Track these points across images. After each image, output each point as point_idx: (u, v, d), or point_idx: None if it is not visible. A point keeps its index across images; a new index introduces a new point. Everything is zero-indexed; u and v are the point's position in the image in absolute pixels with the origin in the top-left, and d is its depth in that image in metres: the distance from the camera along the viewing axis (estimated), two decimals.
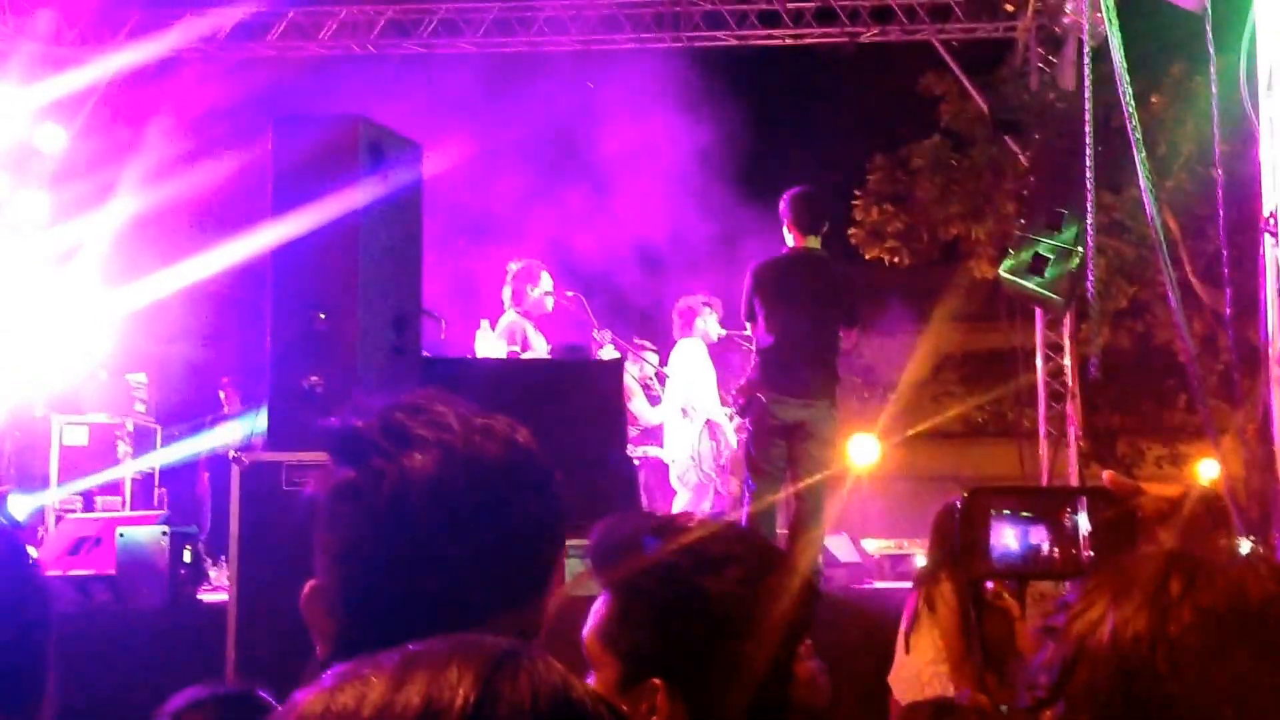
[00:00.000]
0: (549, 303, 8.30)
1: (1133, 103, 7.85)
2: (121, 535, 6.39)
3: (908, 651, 4.80)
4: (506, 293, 8.29)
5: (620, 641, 1.43)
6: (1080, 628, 0.98)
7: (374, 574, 1.25)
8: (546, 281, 8.29)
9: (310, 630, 1.29)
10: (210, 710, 2.13)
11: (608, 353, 8.39)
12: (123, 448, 9.04)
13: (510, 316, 8.18)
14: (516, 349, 7.98)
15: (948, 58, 11.55)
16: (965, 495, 1.36)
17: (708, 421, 8.34)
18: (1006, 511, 1.34)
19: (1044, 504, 1.36)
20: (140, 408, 9.37)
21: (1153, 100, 12.79)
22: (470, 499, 1.24)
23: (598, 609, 1.48)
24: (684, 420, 8.39)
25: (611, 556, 1.49)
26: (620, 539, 1.49)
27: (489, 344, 8.13)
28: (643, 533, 1.49)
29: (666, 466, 8.65)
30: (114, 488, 8.89)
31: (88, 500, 8.69)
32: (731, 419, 8.56)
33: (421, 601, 1.22)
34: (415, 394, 1.31)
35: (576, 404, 6.91)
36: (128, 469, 9.00)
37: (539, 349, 8.07)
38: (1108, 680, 0.95)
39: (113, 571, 6.30)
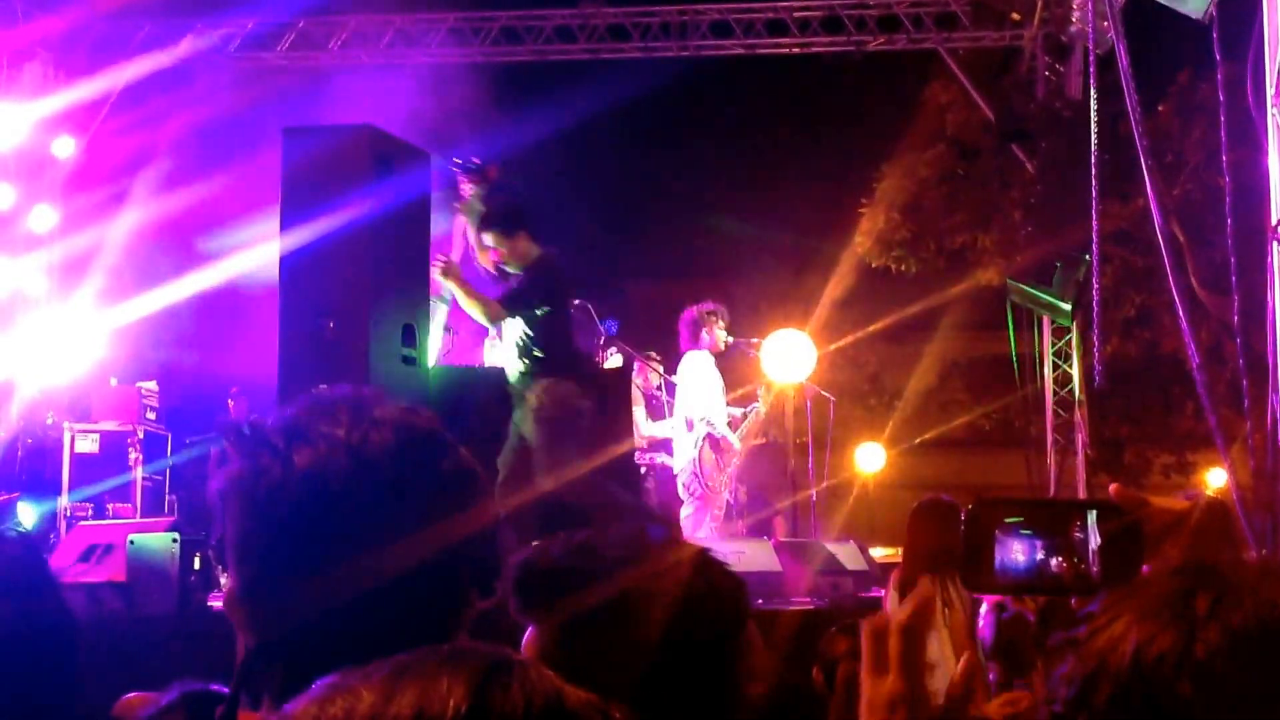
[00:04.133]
0: None
1: (1139, 110, 7.86)
2: (132, 542, 6.41)
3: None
4: None
5: (563, 669, 1.43)
6: (1102, 643, 0.94)
7: (265, 568, 1.24)
8: None
9: (237, 631, 1.28)
10: (182, 711, 2.13)
11: (614, 361, 8.40)
12: (133, 455, 9.08)
13: None
14: None
15: (954, 67, 11.57)
16: (970, 505, 1.29)
17: (708, 435, 8.36)
18: (1012, 524, 1.28)
19: (1051, 517, 1.29)
20: (151, 415, 9.41)
21: (1159, 109, 12.81)
22: (353, 490, 1.22)
23: (529, 642, 1.47)
24: (688, 431, 8.42)
25: (542, 589, 1.48)
26: (546, 570, 1.49)
27: (498, 353, 8.16)
28: (565, 560, 1.48)
29: (675, 476, 8.66)
30: (125, 495, 8.93)
31: (99, 507, 8.73)
32: (735, 427, 8.59)
33: (319, 597, 1.21)
34: (343, 391, 1.30)
35: (584, 410, 6.92)
36: (138, 475, 9.04)
37: None
38: (1131, 702, 0.91)
39: (123, 578, 6.33)
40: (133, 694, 2.42)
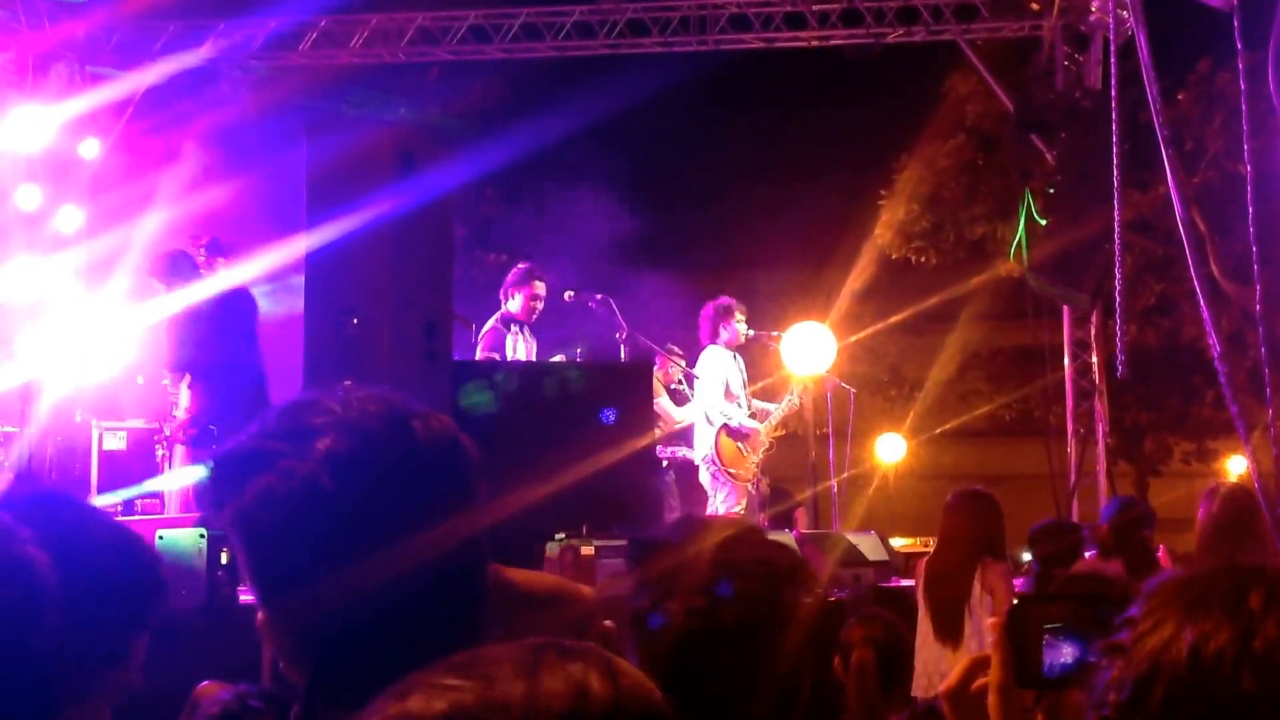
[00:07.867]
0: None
1: (1160, 100, 7.85)
2: (161, 538, 6.49)
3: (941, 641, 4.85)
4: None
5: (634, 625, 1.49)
6: (1153, 644, 0.95)
7: (279, 588, 1.26)
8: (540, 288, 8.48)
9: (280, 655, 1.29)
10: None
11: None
12: (160, 452, 9.17)
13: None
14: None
15: (973, 57, 11.55)
16: (1013, 605, 1.34)
17: (724, 425, 8.40)
18: (1058, 624, 1.30)
19: (1096, 617, 1.30)
20: (178, 413, 9.50)
21: (1179, 97, 12.77)
22: (368, 464, 1.25)
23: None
24: (708, 424, 8.46)
25: (639, 554, 1.54)
26: (648, 541, 1.55)
27: (521, 345, 8.24)
28: (654, 533, 1.55)
29: (695, 468, 8.71)
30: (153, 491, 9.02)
31: (127, 503, 8.83)
32: (763, 420, 8.62)
33: (338, 601, 1.22)
34: (308, 394, 1.35)
35: (604, 405, 6.98)
36: (166, 476, 9.13)
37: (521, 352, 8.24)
38: (1189, 700, 0.92)
39: None
40: (210, 682, 2.48)
